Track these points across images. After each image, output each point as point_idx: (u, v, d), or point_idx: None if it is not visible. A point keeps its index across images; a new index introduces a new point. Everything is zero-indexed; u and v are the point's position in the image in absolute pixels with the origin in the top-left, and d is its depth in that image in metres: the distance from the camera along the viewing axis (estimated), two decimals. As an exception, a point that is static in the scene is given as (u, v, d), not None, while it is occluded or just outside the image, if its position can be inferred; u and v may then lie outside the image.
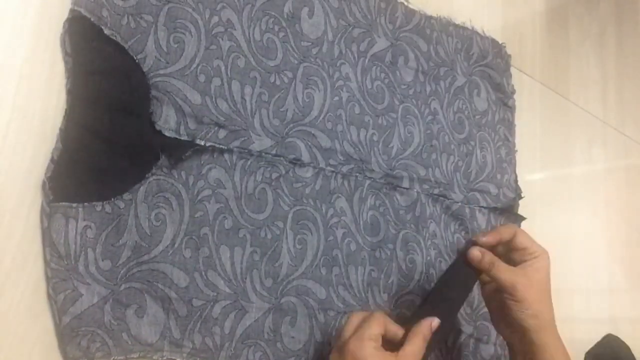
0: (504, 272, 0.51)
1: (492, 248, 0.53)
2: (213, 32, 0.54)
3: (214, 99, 0.53)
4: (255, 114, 0.56)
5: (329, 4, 0.63)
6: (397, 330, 0.48)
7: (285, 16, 0.60)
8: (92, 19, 0.47)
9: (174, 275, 0.49)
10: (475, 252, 0.51)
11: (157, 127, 0.49)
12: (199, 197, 0.51)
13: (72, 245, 0.44)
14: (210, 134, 0.52)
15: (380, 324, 0.47)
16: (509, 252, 0.54)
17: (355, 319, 0.48)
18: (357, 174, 0.62)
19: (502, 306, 0.52)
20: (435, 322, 0.48)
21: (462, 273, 0.53)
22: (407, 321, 0.50)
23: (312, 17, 0.62)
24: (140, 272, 0.47)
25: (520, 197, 0.79)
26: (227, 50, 0.55)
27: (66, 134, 0.45)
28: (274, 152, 0.56)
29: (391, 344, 0.47)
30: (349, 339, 0.46)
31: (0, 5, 0.45)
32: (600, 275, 0.97)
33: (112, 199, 0.47)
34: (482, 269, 0.51)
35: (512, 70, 0.83)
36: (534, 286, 0.50)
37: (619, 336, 0.92)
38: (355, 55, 0.65)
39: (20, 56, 0.45)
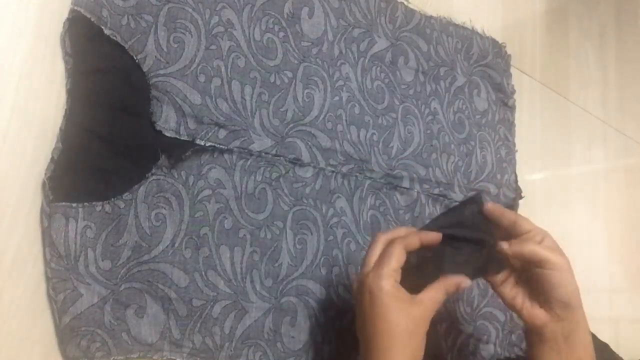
0: (534, 247, 0.47)
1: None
2: (213, 32, 0.54)
3: (214, 99, 0.53)
4: (255, 114, 0.56)
5: (329, 4, 0.63)
6: (416, 241, 0.47)
7: (285, 16, 0.60)
8: (92, 19, 0.47)
9: (174, 275, 0.49)
10: (504, 244, 0.48)
11: (157, 127, 0.49)
12: (199, 197, 0.51)
13: (72, 245, 0.44)
14: (210, 134, 0.52)
15: (399, 258, 0.46)
16: (512, 239, 0.50)
17: (380, 244, 0.48)
18: (357, 174, 0.62)
19: (534, 290, 0.49)
20: (465, 283, 0.47)
21: (477, 233, 0.50)
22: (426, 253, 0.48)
23: (312, 17, 0.62)
24: (140, 272, 0.47)
25: (520, 197, 0.79)
26: (227, 50, 0.55)
27: (66, 134, 0.45)
28: (274, 152, 0.56)
29: (411, 275, 0.46)
30: (369, 273, 0.45)
31: (0, 5, 0.45)
32: (600, 275, 0.97)
33: (112, 199, 0.47)
34: (510, 253, 0.48)
35: (512, 70, 0.83)
36: (561, 254, 0.48)
37: (620, 337, 0.92)
38: (356, 55, 0.65)
39: (20, 56, 0.45)
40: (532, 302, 0.49)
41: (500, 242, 0.49)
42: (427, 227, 0.50)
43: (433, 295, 0.46)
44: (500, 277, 0.51)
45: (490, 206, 0.50)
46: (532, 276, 0.49)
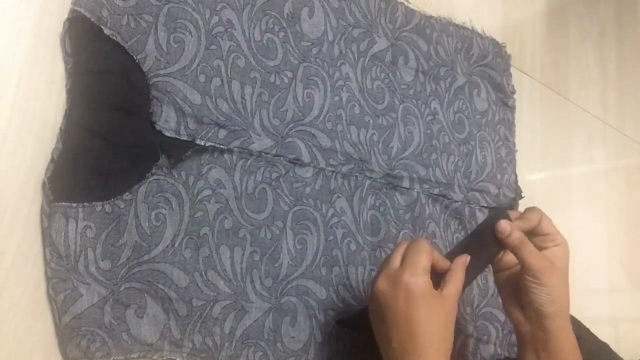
0: (531, 253, 0.48)
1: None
2: (213, 32, 0.54)
3: (214, 99, 0.53)
4: (255, 114, 0.56)
5: (329, 4, 0.63)
6: (442, 261, 0.48)
7: (286, 16, 0.60)
8: (92, 19, 0.47)
9: (174, 275, 0.49)
10: (505, 225, 0.48)
11: (157, 127, 0.49)
12: (199, 197, 0.51)
13: (72, 245, 0.44)
14: (210, 134, 0.52)
15: (429, 255, 0.46)
16: (531, 237, 0.50)
17: (403, 244, 0.48)
18: (357, 174, 0.62)
19: (518, 290, 0.50)
20: (463, 257, 0.48)
21: (485, 244, 0.50)
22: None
23: (312, 17, 0.62)
24: (140, 272, 0.47)
25: (521, 197, 0.79)
26: (227, 50, 0.55)
27: (66, 134, 0.45)
28: (274, 152, 0.56)
29: (434, 276, 0.47)
30: (404, 270, 0.45)
31: (0, 5, 0.45)
32: (600, 275, 0.97)
33: (112, 199, 0.47)
34: (507, 244, 0.49)
35: (512, 70, 0.83)
36: (556, 273, 0.48)
37: (620, 337, 0.92)
38: (356, 55, 0.65)
39: (20, 56, 0.45)
40: (514, 298, 0.51)
41: (501, 224, 0.49)
42: (451, 252, 0.50)
43: (455, 287, 0.46)
44: (499, 265, 0.53)
45: (514, 214, 0.50)
46: (518, 275, 0.50)
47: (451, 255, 0.50)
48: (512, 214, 0.51)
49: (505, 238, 0.48)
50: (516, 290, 0.51)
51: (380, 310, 0.46)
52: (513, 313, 0.51)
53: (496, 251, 0.51)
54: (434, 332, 0.43)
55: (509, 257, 0.52)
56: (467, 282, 0.49)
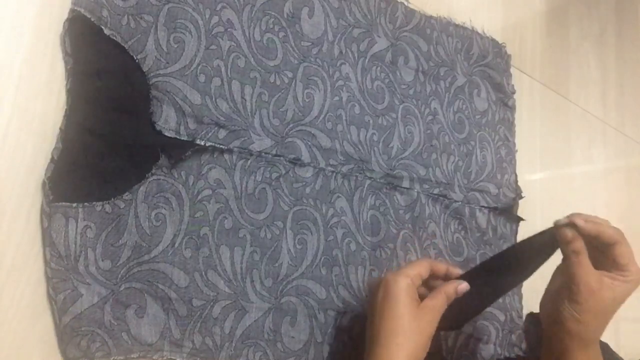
0: (582, 267, 0.46)
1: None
2: (213, 32, 0.54)
3: (214, 99, 0.53)
4: (255, 114, 0.56)
5: (329, 4, 0.63)
6: (451, 269, 0.51)
7: (286, 16, 0.60)
8: (92, 19, 0.47)
9: (174, 275, 0.49)
10: (568, 233, 0.46)
11: (157, 127, 0.49)
12: (199, 197, 0.51)
13: (72, 245, 0.44)
14: (210, 134, 0.52)
15: (423, 265, 0.50)
16: (601, 254, 0.48)
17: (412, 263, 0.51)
18: (357, 174, 0.62)
19: (557, 293, 0.49)
20: (462, 286, 0.49)
21: (537, 250, 0.49)
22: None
23: (312, 17, 0.62)
24: (140, 272, 0.47)
25: (521, 197, 0.79)
26: (227, 50, 0.55)
27: (66, 134, 0.45)
28: (274, 152, 0.56)
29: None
30: (389, 273, 0.49)
31: (0, 5, 0.45)
32: (600, 275, 0.96)
33: (112, 199, 0.47)
34: (564, 251, 0.47)
35: (512, 70, 0.83)
36: (600, 301, 0.45)
37: (620, 337, 0.91)
38: (356, 55, 0.65)
39: (20, 56, 0.45)
40: (550, 302, 0.51)
41: (567, 229, 0.47)
42: (467, 275, 0.51)
43: (434, 301, 0.48)
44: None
45: (576, 218, 0.47)
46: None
47: (472, 273, 0.52)
48: (583, 216, 0.48)
49: (565, 245, 0.47)
50: (557, 292, 0.49)
51: (368, 311, 0.50)
52: (547, 312, 0.51)
53: (544, 257, 0.50)
54: (399, 330, 0.45)
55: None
56: (491, 297, 0.52)
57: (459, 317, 0.51)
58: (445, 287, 0.48)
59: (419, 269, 0.49)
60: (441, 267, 0.52)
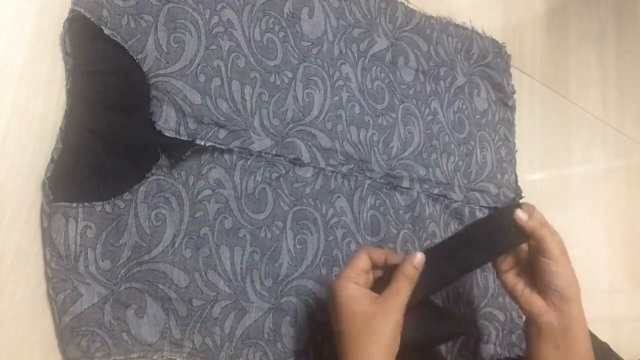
0: (553, 234, 0.50)
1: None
2: (213, 32, 0.54)
3: (214, 99, 0.53)
4: (255, 114, 0.56)
5: (329, 4, 0.63)
6: (391, 257, 0.50)
7: (286, 16, 0.60)
8: (92, 19, 0.47)
9: (174, 275, 0.49)
10: (522, 213, 0.51)
11: (157, 127, 0.49)
12: (199, 197, 0.51)
13: (72, 245, 0.44)
14: (210, 134, 0.52)
15: (362, 259, 0.49)
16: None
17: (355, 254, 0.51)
18: (357, 174, 0.62)
19: (536, 279, 0.51)
20: (417, 258, 0.48)
21: (493, 234, 0.52)
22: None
23: (312, 17, 0.62)
24: (140, 272, 0.47)
25: (521, 197, 0.79)
26: (227, 50, 0.55)
27: (66, 134, 0.45)
28: (274, 152, 0.56)
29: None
30: (332, 282, 0.48)
31: (0, 5, 0.45)
32: (600, 275, 0.97)
33: (112, 199, 0.47)
34: (529, 228, 0.50)
35: (512, 70, 0.83)
36: (568, 257, 0.50)
37: (620, 337, 0.92)
38: (355, 55, 0.65)
39: (20, 56, 0.45)
40: (532, 290, 0.52)
41: (520, 211, 0.51)
42: (429, 254, 0.50)
43: (395, 284, 0.47)
44: (505, 265, 0.54)
45: (519, 213, 0.51)
46: (534, 264, 0.51)
47: (434, 249, 0.52)
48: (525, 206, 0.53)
49: (527, 222, 0.50)
50: (533, 280, 0.52)
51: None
52: (534, 303, 0.51)
53: (503, 244, 0.52)
54: (356, 333, 0.45)
55: (509, 258, 0.54)
56: (455, 278, 0.52)
57: (426, 288, 0.50)
58: (401, 268, 0.47)
59: (359, 265, 0.48)
60: (378, 255, 0.50)
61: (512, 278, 0.54)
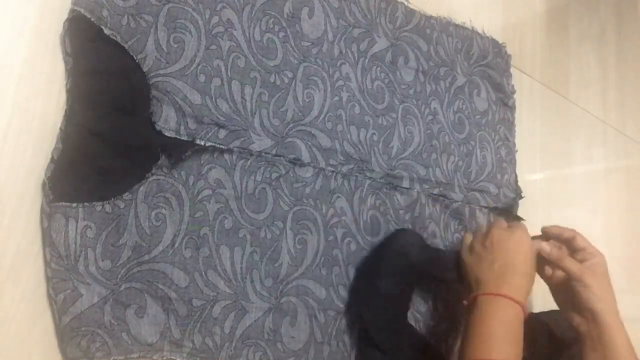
0: (572, 263, 0.59)
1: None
2: (213, 32, 0.54)
3: (214, 99, 0.53)
4: (255, 114, 0.55)
5: (329, 4, 0.63)
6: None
7: (286, 16, 0.60)
8: (92, 19, 0.47)
9: (174, 275, 0.49)
10: (545, 246, 0.60)
11: (157, 127, 0.49)
12: (199, 197, 0.51)
13: (72, 245, 0.44)
14: (210, 134, 0.52)
15: None
16: (570, 254, 0.61)
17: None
18: (357, 174, 0.62)
19: (571, 295, 0.59)
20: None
21: None
22: None
23: (312, 17, 0.62)
24: (140, 272, 0.47)
25: (521, 197, 0.79)
26: (227, 50, 0.55)
27: (66, 134, 0.45)
28: (274, 152, 0.56)
29: None
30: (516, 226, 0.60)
31: (0, 5, 0.45)
32: (600, 275, 0.96)
33: (112, 199, 0.47)
34: (551, 260, 0.60)
35: (512, 70, 0.83)
36: (597, 277, 0.58)
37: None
38: (356, 55, 0.65)
39: (20, 56, 0.45)
40: (570, 304, 0.60)
41: (543, 242, 0.61)
42: None
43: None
44: (554, 281, 0.62)
45: (546, 228, 0.63)
46: (567, 285, 0.59)
47: None
48: (550, 229, 0.63)
49: (548, 256, 0.60)
50: (570, 297, 0.59)
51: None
52: (573, 317, 0.59)
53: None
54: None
55: (558, 273, 0.60)
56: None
57: None
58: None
59: None
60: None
61: (557, 293, 0.62)
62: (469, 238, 0.62)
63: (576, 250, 0.61)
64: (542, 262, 0.61)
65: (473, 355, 0.51)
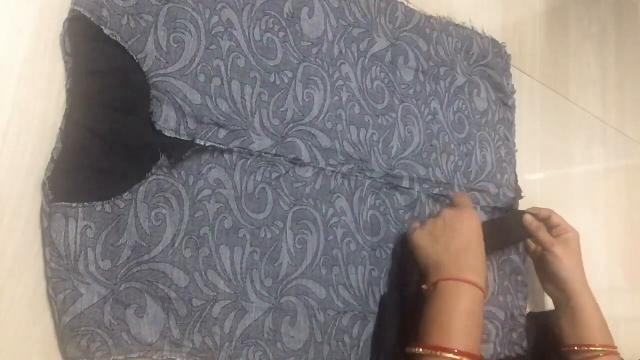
0: (546, 235, 0.68)
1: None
2: (213, 32, 0.54)
3: (214, 99, 0.53)
4: (255, 114, 0.56)
5: (329, 3, 0.63)
6: None
7: (286, 16, 0.60)
8: (92, 19, 0.47)
9: (174, 275, 0.49)
10: (529, 217, 0.69)
11: (157, 127, 0.49)
12: (199, 197, 0.51)
13: (72, 245, 0.44)
14: (210, 134, 0.52)
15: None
16: (548, 230, 0.70)
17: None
18: (358, 174, 0.62)
19: (545, 265, 0.68)
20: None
21: (510, 229, 0.71)
22: None
23: (312, 17, 0.62)
24: (140, 272, 0.47)
25: (521, 197, 0.79)
26: (227, 50, 0.55)
27: (66, 134, 0.45)
28: (274, 152, 0.56)
29: None
30: (463, 205, 0.62)
31: (0, 5, 0.45)
32: (600, 275, 0.97)
33: (112, 199, 0.47)
34: (530, 230, 0.69)
35: (512, 70, 0.83)
36: (568, 249, 0.67)
37: (620, 337, 0.91)
38: (356, 55, 0.65)
39: (20, 56, 0.45)
40: (546, 274, 0.70)
41: (528, 215, 0.70)
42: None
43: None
44: (533, 251, 0.73)
45: (528, 217, 0.70)
46: (544, 256, 0.69)
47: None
48: (529, 210, 0.72)
49: (529, 226, 0.69)
50: (544, 268, 0.69)
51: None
52: (546, 286, 0.70)
53: (518, 238, 0.73)
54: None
55: (539, 248, 0.70)
56: (490, 251, 0.61)
57: None
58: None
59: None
60: None
61: (536, 264, 0.72)
62: (416, 223, 0.61)
63: (552, 227, 0.69)
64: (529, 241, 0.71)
65: (433, 342, 0.49)
